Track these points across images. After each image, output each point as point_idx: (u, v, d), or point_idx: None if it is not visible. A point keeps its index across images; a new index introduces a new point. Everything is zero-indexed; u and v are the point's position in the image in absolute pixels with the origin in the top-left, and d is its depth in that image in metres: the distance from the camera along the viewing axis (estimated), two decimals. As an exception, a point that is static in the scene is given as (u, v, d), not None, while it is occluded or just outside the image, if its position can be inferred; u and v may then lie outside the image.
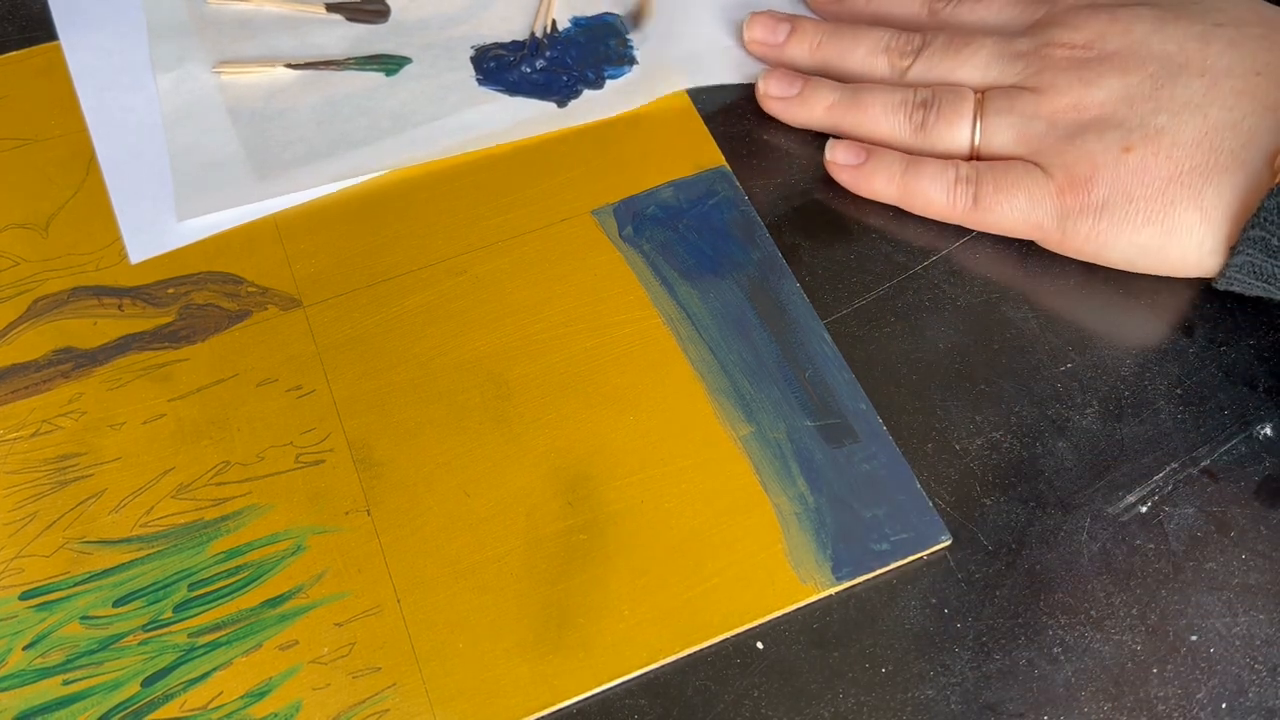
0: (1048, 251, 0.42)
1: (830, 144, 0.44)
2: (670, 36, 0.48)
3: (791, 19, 0.46)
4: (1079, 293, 0.41)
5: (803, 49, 0.45)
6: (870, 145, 0.43)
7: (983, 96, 0.42)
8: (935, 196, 0.42)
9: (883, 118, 0.43)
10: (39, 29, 0.48)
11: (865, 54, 0.44)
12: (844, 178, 0.43)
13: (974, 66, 0.43)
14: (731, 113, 0.46)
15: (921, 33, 0.44)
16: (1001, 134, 0.41)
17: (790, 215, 0.43)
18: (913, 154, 0.43)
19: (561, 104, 0.46)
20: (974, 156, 0.42)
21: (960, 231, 0.43)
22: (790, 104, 0.44)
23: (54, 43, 0.48)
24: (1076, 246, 0.41)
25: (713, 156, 0.45)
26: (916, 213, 0.43)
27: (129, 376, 0.40)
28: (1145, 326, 0.40)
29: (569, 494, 0.38)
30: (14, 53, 0.48)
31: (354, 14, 0.48)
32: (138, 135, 0.45)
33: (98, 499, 0.38)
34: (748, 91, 0.46)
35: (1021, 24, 0.43)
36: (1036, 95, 0.41)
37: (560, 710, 0.34)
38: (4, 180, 0.44)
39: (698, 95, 0.46)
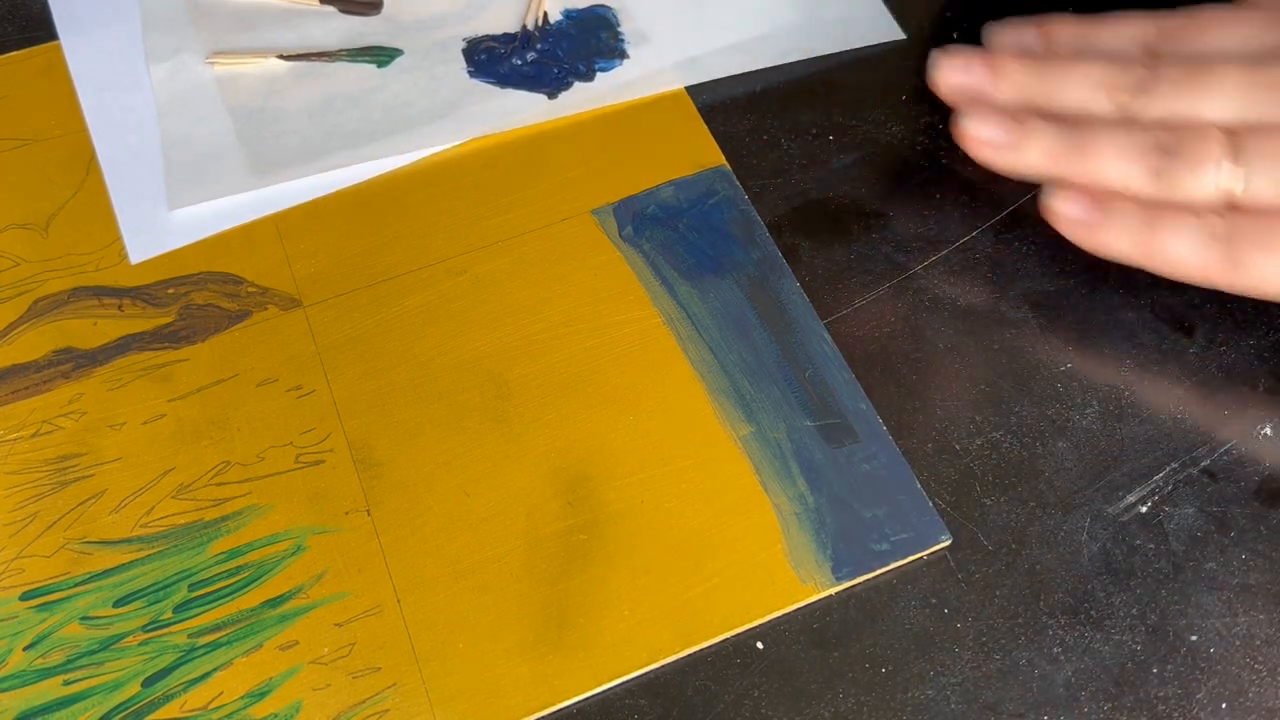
0: (1047, 251, 0.42)
1: (1057, 195, 0.38)
2: (663, 30, 0.48)
3: (984, 54, 0.40)
4: (1079, 293, 0.41)
5: (1005, 88, 0.40)
6: (1102, 196, 0.38)
7: (1235, 137, 0.36)
8: (1185, 256, 0.37)
9: (1115, 163, 0.37)
10: (39, 29, 0.48)
11: (1083, 91, 0.38)
12: (1076, 235, 0.39)
13: (1221, 100, 0.37)
14: (731, 111, 0.46)
15: (1145, 63, 0.38)
16: (1266, 182, 0.36)
17: (790, 215, 0.43)
18: (1151, 204, 0.38)
19: (552, 96, 0.46)
20: (1226, 208, 0.37)
21: (961, 231, 0.43)
22: (1003, 150, 0.39)
23: (54, 42, 0.48)
24: None
25: (712, 156, 0.45)
26: (1159, 273, 0.38)
27: (129, 377, 0.40)
28: (1145, 326, 0.40)
29: (569, 494, 0.38)
30: (14, 53, 0.48)
31: (347, 7, 0.48)
32: (138, 135, 0.45)
33: (98, 499, 0.38)
34: (748, 89, 0.46)
35: (1269, 48, 0.37)
36: None
37: (560, 710, 0.34)
38: (4, 180, 0.44)
39: (697, 94, 0.46)
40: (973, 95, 0.40)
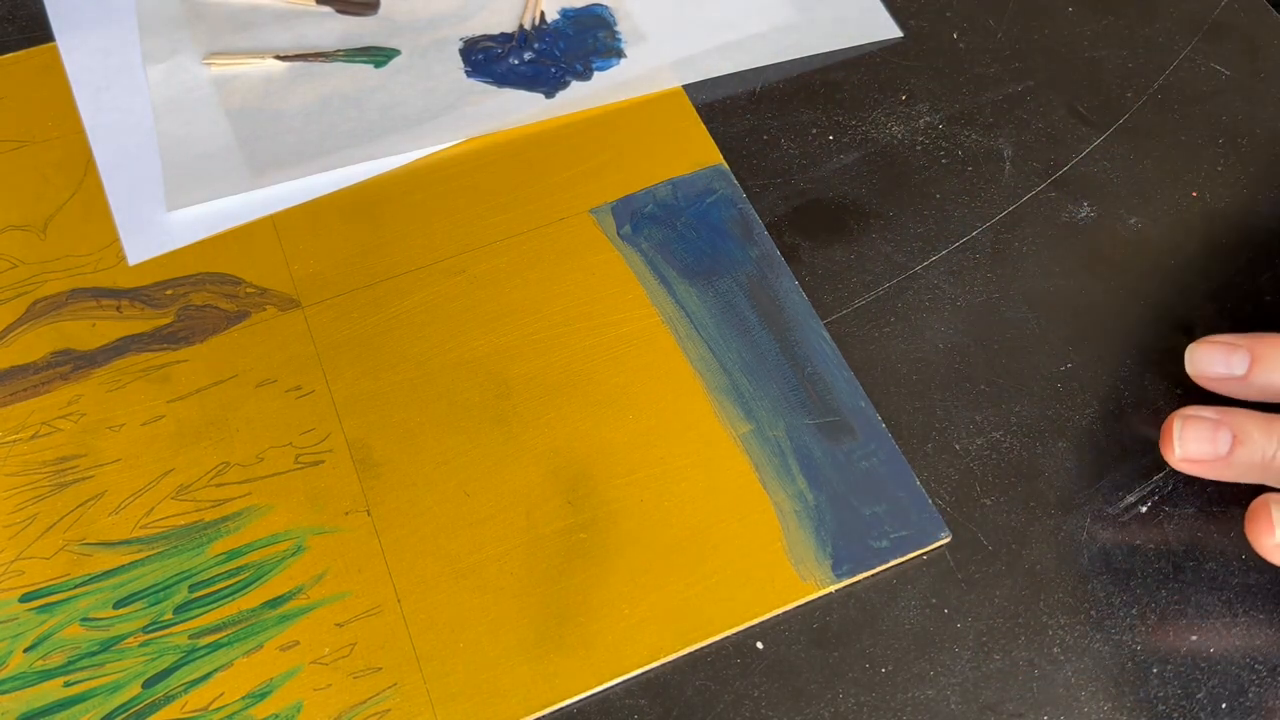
0: (1047, 251, 0.42)
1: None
2: (660, 29, 0.48)
3: (1222, 416, 0.35)
4: (1079, 293, 0.41)
5: (1255, 453, 0.35)
6: None
7: None
8: None
9: None
10: (39, 29, 0.48)
11: None
12: None
13: None
14: (731, 111, 0.46)
15: None
16: None
17: (789, 215, 0.43)
18: None
19: (550, 95, 0.46)
20: None
21: (961, 231, 0.43)
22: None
23: (51, 44, 0.48)
24: None
25: (710, 154, 0.45)
26: None
27: (128, 378, 0.40)
28: (1145, 326, 0.40)
29: (569, 493, 0.38)
30: (11, 54, 0.48)
31: (344, 7, 0.48)
32: (135, 136, 0.45)
33: (98, 501, 0.38)
34: (747, 89, 0.46)
35: None
36: None
37: (560, 709, 0.34)
38: (2, 182, 0.44)
39: (696, 93, 0.46)
40: (1218, 472, 0.36)
